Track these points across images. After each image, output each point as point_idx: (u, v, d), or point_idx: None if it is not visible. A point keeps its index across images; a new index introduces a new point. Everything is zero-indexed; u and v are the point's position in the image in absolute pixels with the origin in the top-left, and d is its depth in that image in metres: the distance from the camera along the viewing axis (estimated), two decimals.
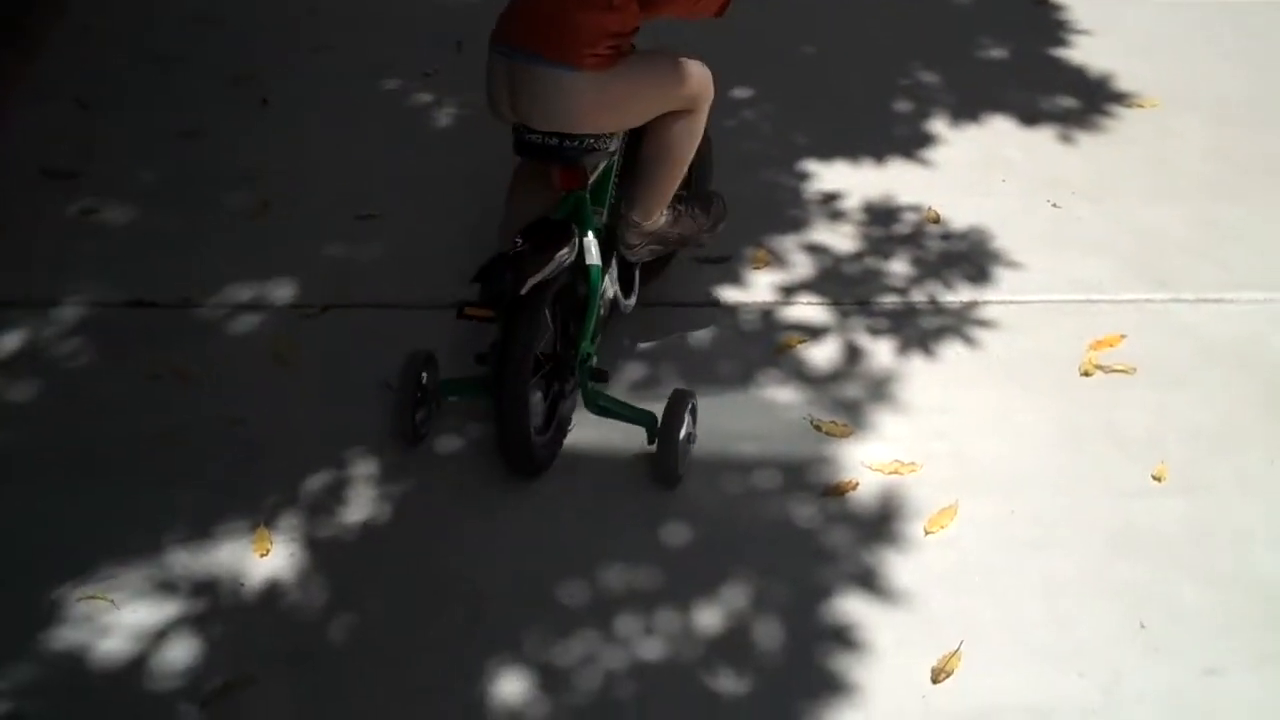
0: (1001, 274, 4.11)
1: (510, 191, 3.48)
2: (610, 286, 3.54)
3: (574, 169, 3.34)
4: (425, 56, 5.10)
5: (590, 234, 3.37)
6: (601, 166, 3.51)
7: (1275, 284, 4.09)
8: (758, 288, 4.04)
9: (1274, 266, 4.17)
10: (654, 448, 3.37)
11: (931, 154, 4.64)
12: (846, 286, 4.05)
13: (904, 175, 4.55)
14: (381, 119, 4.78)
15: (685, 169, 3.53)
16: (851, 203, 4.41)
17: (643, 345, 3.81)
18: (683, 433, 3.34)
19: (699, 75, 3.42)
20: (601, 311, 3.48)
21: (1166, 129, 4.87)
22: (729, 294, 4.02)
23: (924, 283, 4.07)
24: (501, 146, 3.42)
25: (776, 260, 4.14)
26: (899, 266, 4.14)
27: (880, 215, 4.36)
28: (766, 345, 3.84)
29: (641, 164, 3.50)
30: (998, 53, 5.30)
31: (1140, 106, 4.98)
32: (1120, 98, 5.03)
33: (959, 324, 3.91)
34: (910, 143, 4.70)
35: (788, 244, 4.21)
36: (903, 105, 4.92)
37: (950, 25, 5.29)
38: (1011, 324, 3.92)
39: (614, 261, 3.56)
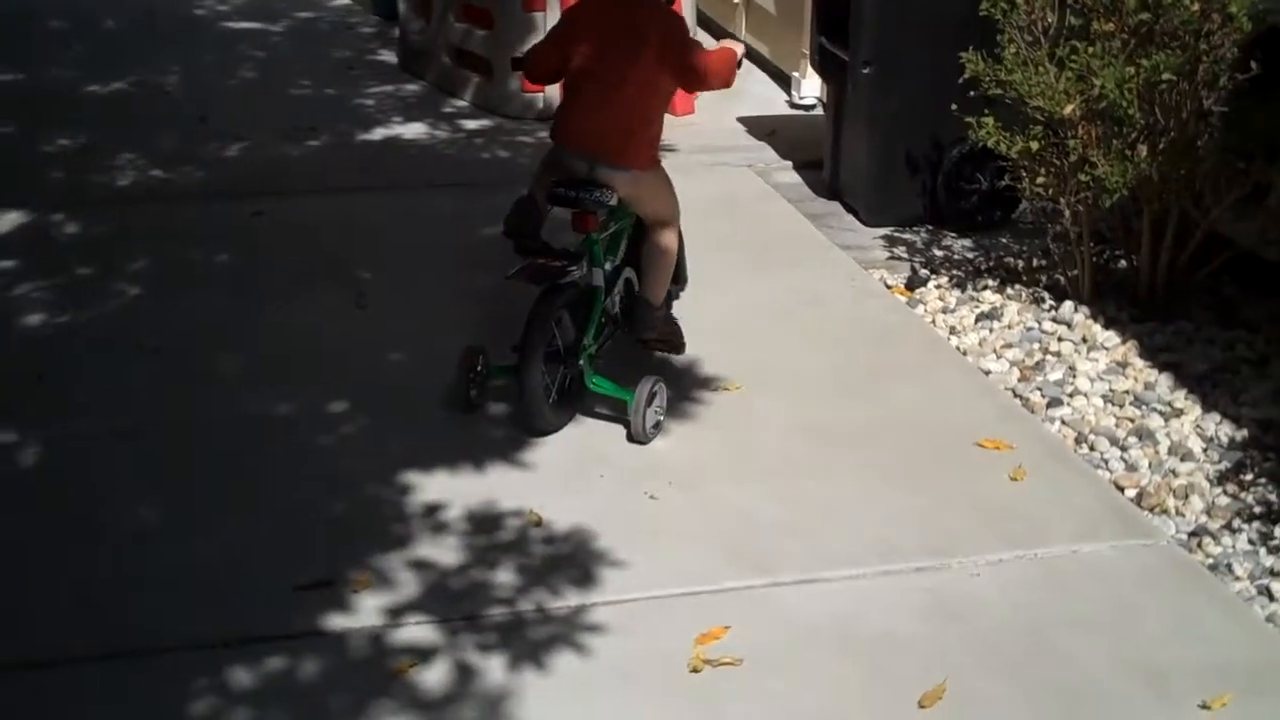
0: (606, 574, 4.15)
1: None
2: (614, 306, 5.01)
3: (589, 215, 4.76)
4: None
5: (601, 268, 4.85)
6: (613, 227, 4.97)
7: (863, 559, 4.26)
8: (364, 611, 3.95)
9: (861, 541, 4.34)
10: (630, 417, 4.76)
11: (529, 455, 4.70)
12: (453, 602, 4.01)
13: (504, 478, 4.59)
14: None
15: (671, 264, 5.02)
16: (454, 512, 4.40)
17: (244, 687, 3.65)
18: (649, 408, 4.73)
19: (676, 204, 5.03)
20: (603, 320, 4.92)
21: (751, 410, 5.09)
22: (334, 621, 3.91)
23: (531, 591, 4.06)
24: None
25: (381, 580, 4.07)
26: (505, 576, 4.12)
27: (483, 523, 4.36)
28: (377, 673, 3.73)
29: (644, 258, 5.02)
30: None
31: (725, 390, 5.20)
32: (705, 382, 5.24)
33: (568, 631, 3.90)
34: (508, 444, 4.75)
35: (392, 562, 4.15)
36: (498, 406, 4.98)
37: None
38: (620, 626, 3.94)
39: (617, 291, 5.01)
